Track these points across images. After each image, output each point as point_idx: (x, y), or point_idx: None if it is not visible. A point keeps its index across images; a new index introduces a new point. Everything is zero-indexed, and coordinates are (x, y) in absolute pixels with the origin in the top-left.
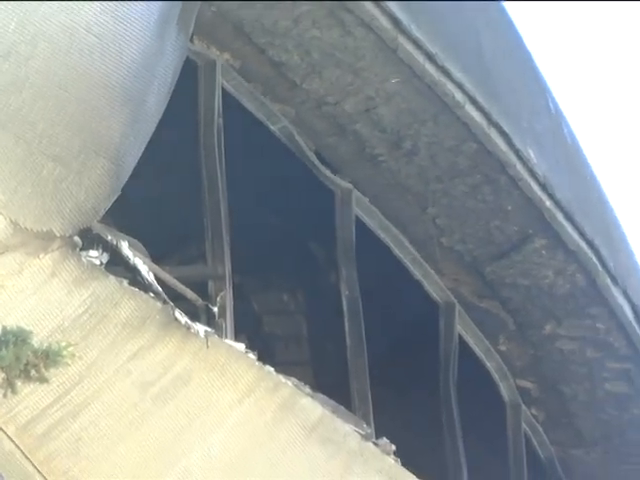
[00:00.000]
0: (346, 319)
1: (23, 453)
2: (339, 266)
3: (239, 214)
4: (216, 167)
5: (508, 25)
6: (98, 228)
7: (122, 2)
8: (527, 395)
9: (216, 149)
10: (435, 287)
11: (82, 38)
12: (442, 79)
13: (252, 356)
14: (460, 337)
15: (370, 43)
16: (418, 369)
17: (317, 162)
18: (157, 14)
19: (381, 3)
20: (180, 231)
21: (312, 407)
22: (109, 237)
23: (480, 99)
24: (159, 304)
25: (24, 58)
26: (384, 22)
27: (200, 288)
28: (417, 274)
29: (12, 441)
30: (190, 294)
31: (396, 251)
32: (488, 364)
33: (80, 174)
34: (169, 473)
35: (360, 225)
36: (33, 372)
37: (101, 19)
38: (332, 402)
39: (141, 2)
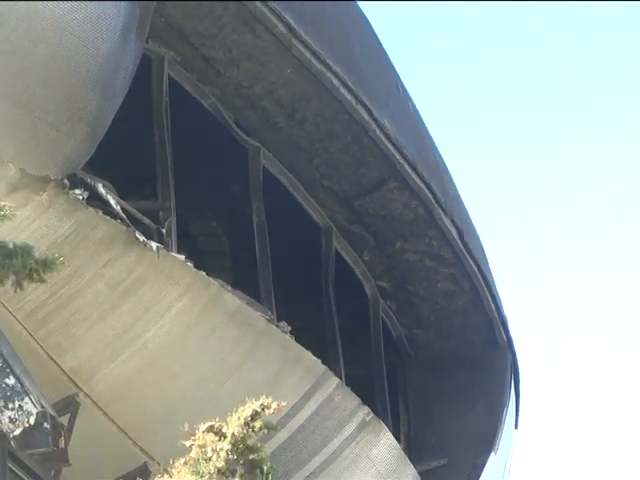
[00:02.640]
0: (256, 238)
1: (29, 332)
2: (251, 201)
3: (182, 164)
4: (164, 132)
5: (371, 31)
6: (81, 173)
7: (99, 14)
8: (384, 292)
9: (164, 120)
10: (318, 216)
11: (69, 40)
12: (323, 70)
13: (190, 264)
14: (336, 251)
15: (273, 44)
16: (307, 274)
17: (235, 128)
18: (122, 23)
19: (280, 16)
20: (139, 176)
21: (232, 300)
22: (89, 180)
23: (350, 84)
24: (124, 227)
25: (29, 54)
26: (282, 29)
27: (153, 216)
28: (306, 207)
29: (21, 324)
30: (146, 220)
31: (291, 190)
32: (356, 270)
33: (68, 135)
34: (133, 344)
35: (266, 172)
36: (35, 275)
37: (83, 27)
38: (246, 296)
39: (110, 15)
